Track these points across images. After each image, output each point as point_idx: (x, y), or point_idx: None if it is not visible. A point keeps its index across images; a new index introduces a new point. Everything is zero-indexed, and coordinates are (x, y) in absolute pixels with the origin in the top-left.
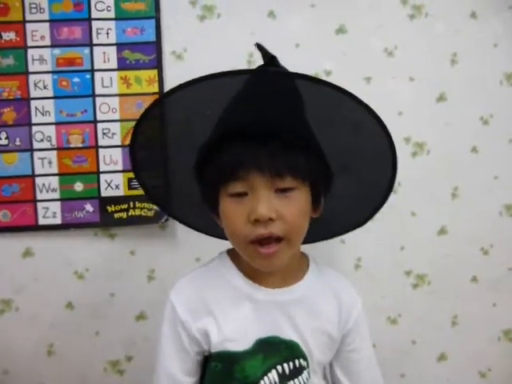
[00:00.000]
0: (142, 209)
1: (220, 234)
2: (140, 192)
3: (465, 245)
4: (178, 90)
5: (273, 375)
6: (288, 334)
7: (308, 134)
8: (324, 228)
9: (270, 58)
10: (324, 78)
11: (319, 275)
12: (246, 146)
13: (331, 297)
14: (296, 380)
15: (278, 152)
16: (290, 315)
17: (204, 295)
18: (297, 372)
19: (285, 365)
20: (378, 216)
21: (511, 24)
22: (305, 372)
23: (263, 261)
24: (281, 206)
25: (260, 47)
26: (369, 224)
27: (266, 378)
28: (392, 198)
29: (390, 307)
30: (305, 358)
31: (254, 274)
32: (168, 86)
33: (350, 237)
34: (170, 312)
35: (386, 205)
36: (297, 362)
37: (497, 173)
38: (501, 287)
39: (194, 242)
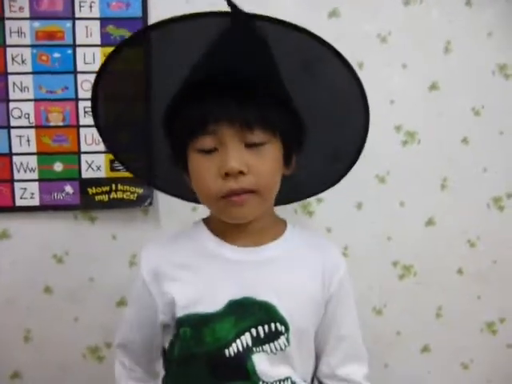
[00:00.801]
0: (124, 192)
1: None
2: (123, 174)
3: (452, 236)
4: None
5: (246, 338)
6: (264, 295)
7: (279, 86)
8: (297, 189)
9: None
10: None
11: (299, 236)
12: (215, 98)
13: (313, 257)
14: (272, 344)
15: (248, 103)
16: (266, 276)
17: (172, 258)
18: (273, 336)
19: (259, 328)
20: (366, 205)
21: (506, 14)
22: (282, 337)
23: (234, 208)
24: (251, 159)
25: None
26: (356, 213)
27: (238, 340)
28: (381, 187)
29: (375, 297)
30: (282, 323)
31: (226, 234)
32: None
33: (337, 225)
34: (137, 274)
35: (374, 194)
36: (273, 325)
37: (486, 165)
38: (486, 280)
39: (176, 226)
